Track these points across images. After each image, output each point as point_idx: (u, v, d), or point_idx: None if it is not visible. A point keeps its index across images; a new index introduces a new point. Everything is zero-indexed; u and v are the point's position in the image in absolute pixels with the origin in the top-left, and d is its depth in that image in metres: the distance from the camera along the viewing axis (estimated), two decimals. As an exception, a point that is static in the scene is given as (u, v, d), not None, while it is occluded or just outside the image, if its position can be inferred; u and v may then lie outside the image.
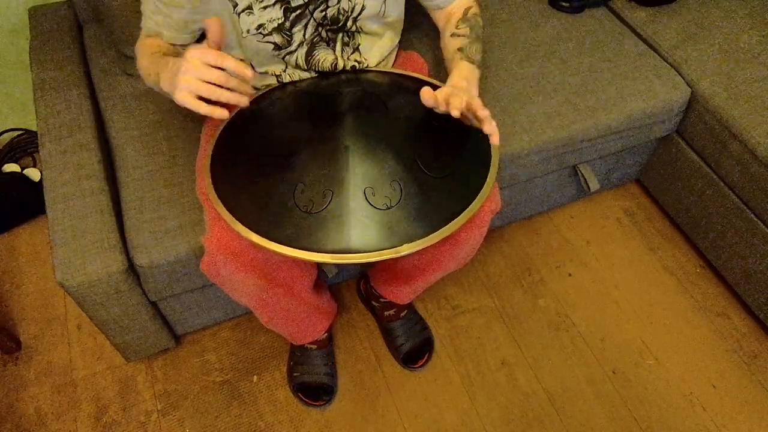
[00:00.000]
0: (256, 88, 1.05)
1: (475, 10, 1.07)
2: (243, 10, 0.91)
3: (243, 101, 0.79)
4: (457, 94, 0.86)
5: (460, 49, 1.01)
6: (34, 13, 1.38)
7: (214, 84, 0.76)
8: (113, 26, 1.22)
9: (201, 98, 0.76)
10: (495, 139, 0.86)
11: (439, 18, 1.11)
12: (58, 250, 1.01)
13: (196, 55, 0.75)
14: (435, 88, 1.03)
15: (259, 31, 0.94)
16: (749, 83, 1.34)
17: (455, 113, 0.84)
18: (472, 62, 1.00)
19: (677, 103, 1.36)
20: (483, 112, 0.84)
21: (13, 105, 1.59)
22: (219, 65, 0.75)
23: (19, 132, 1.64)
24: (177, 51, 0.95)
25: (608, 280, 1.51)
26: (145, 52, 0.94)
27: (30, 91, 1.57)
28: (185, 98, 0.76)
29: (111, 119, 1.23)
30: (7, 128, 1.63)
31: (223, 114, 0.76)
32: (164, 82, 0.82)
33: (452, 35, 1.04)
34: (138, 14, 1.19)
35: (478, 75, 1.01)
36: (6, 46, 1.47)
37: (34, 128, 1.65)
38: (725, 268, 1.43)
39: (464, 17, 1.05)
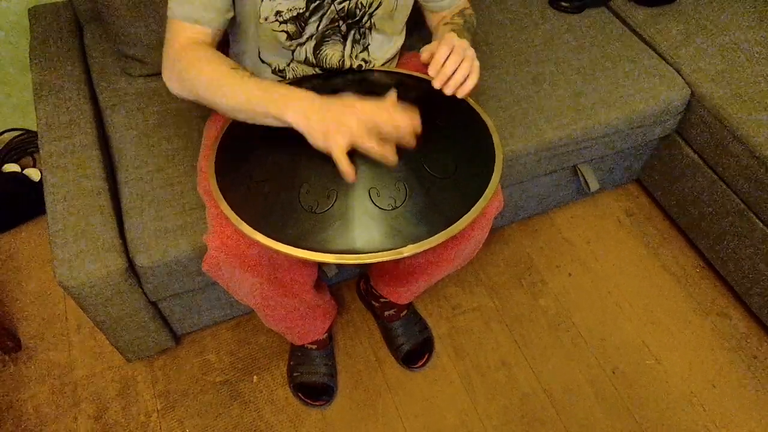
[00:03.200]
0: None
1: (470, 11, 1.09)
2: None
3: (390, 159, 0.81)
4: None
5: (452, 30, 1.03)
6: (34, 13, 1.38)
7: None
8: (113, 26, 1.22)
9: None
10: (446, 89, 0.92)
11: (434, 19, 1.11)
12: (58, 250, 1.01)
13: (373, 117, 0.79)
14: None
15: (276, 18, 0.93)
16: (749, 83, 1.34)
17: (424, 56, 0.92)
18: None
19: (677, 103, 1.36)
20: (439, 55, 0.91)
21: (13, 105, 1.59)
22: (387, 128, 0.79)
23: (19, 132, 1.64)
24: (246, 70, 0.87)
25: (608, 280, 1.51)
26: (209, 64, 0.85)
27: (30, 91, 1.57)
28: (341, 153, 0.78)
29: (111, 119, 1.23)
30: (7, 128, 1.63)
31: (392, 159, 0.82)
32: (298, 114, 0.79)
33: (444, 24, 1.06)
34: (138, 14, 1.20)
35: (469, 40, 1.02)
36: (6, 46, 1.46)
37: (34, 128, 1.65)
38: (725, 268, 1.43)
39: (460, 12, 1.07)
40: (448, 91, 0.92)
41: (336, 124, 0.78)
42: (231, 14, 0.92)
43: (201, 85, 0.85)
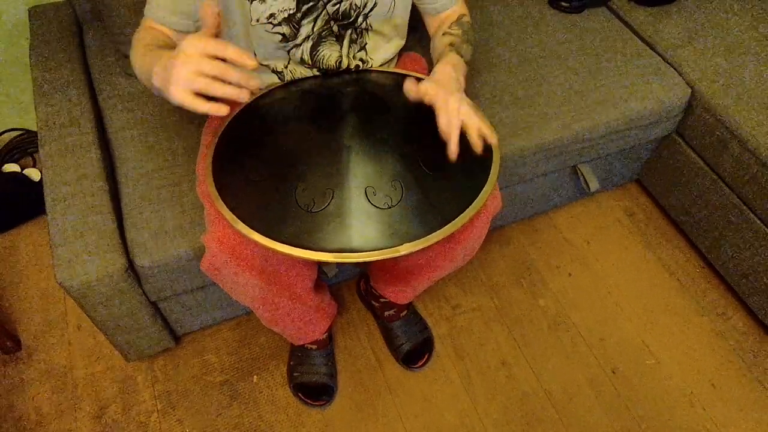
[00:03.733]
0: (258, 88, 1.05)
1: (468, 18, 1.08)
2: None
3: (243, 95, 0.70)
4: (448, 99, 0.85)
5: (451, 44, 1.01)
6: (34, 13, 1.38)
7: (214, 77, 0.68)
8: (113, 26, 1.22)
9: (199, 95, 0.69)
10: (494, 141, 0.87)
11: (432, 23, 1.11)
12: (58, 250, 1.01)
13: (192, 44, 0.68)
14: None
15: (269, 20, 0.92)
16: (749, 83, 1.34)
17: (450, 131, 0.84)
18: (462, 57, 0.99)
19: (677, 103, 1.36)
20: (492, 140, 0.86)
21: (13, 105, 1.59)
22: (218, 55, 0.68)
23: (19, 132, 1.64)
24: (176, 43, 0.81)
25: (608, 279, 1.51)
26: (139, 44, 0.85)
27: (30, 91, 1.57)
28: (181, 95, 0.68)
29: (111, 119, 1.23)
30: (7, 128, 1.63)
31: (222, 111, 0.69)
32: (157, 77, 0.73)
33: (444, 34, 1.04)
34: (138, 14, 1.20)
35: (465, 69, 0.98)
36: (6, 46, 1.47)
37: (34, 128, 1.65)
38: (725, 268, 1.43)
39: (458, 21, 1.06)
40: (478, 149, 0.86)
41: (170, 77, 0.70)
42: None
43: (139, 76, 0.84)
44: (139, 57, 0.84)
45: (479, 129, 0.85)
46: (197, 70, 0.68)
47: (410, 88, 0.89)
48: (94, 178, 1.10)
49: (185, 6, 0.89)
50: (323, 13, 0.95)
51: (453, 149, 0.84)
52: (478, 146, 0.85)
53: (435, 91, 0.86)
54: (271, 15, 0.92)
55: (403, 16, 1.05)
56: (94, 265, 1.00)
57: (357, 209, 0.83)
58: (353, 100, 0.99)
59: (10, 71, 1.52)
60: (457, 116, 0.85)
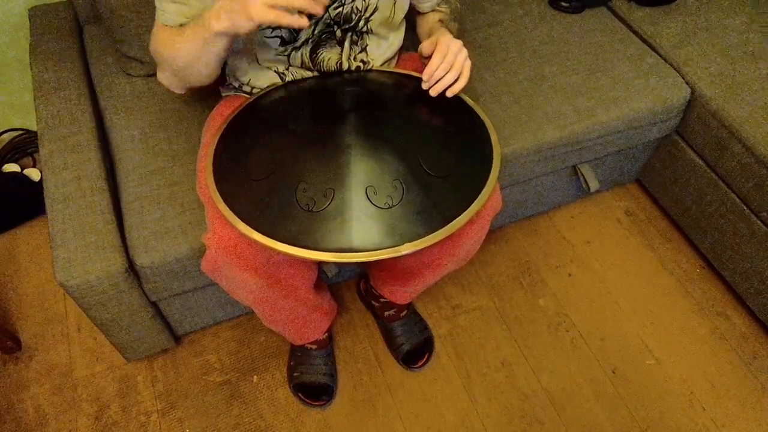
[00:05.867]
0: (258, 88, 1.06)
1: None
2: None
3: (317, 9, 0.78)
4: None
5: (441, 20, 1.05)
6: (34, 13, 1.38)
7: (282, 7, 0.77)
8: (113, 26, 1.22)
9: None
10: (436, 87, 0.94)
11: (420, 15, 1.13)
12: (58, 250, 1.01)
13: None
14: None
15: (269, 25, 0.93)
16: (749, 83, 1.34)
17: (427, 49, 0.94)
18: (451, 33, 1.02)
19: (677, 103, 1.36)
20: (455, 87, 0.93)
21: (13, 105, 1.59)
22: None
23: (19, 132, 1.64)
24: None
25: (608, 280, 1.51)
26: (165, 32, 0.92)
27: (30, 91, 1.57)
28: (266, 13, 0.76)
29: (111, 119, 1.23)
30: (7, 128, 1.63)
31: (304, 23, 0.78)
32: (214, 20, 0.81)
33: (432, 11, 1.08)
34: (138, 14, 1.20)
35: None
36: (6, 46, 1.47)
37: (34, 128, 1.65)
38: (725, 268, 1.43)
39: (445, 0, 1.10)
40: (433, 93, 0.95)
41: (248, 3, 0.78)
42: None
43: (166, 58, 0.93)
44: (171, 38, 0.90)
45: (461, 79, 0.92)
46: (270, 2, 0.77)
47: (428, 48, 0.95)
48: (94, 178, 1.10)
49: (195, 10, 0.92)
50: (324, 16, 0.95)
51: (430, 82, 0.93)
52: (442, 87, 0.93)
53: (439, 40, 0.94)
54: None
55: (401, 15, 1.05)
56: (94, 265, 1.00)
57: (358, 209, 0.83)
58: (354, 99, 0.99)
59: (11, 71, 1.52)
60: (454, 55, 0.91)
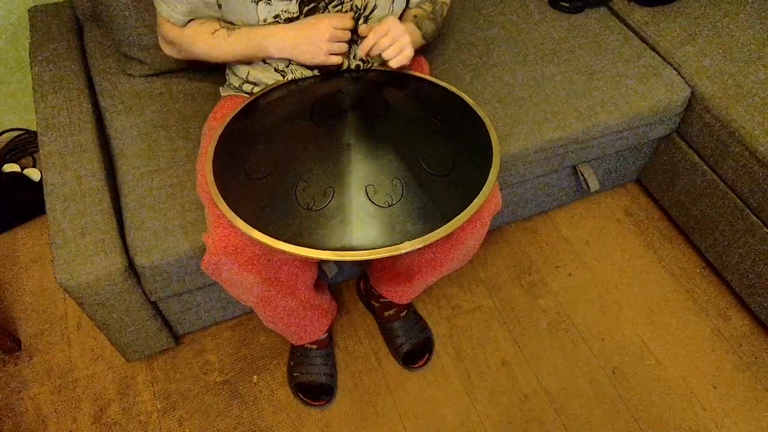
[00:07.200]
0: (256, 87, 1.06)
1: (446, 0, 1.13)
2: (260, 0, 0.93)
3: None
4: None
5: (415, 16, 1.06)
6: (34, 13, 1.38)
7: (338, 40, 0.96)
8: (113, 26, 1.22)
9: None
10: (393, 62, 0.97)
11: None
12: (58, 250, 1.01)
13: (331, 23, 0.93)
14: (435, 86, 1.03)
15: (276, 20, 0.95)
16: (749, 83, 1.34)
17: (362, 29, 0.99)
18: (419, 29, 1.05)
19: (677, 103, 1.36)
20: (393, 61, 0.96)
21: (13, 105, 1.59)
22: (345, 27, 0.95)
23: (19, 132, 1.64)
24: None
25: (608, 280, 1.51)
26: (199, 32, 1.01)
27: (30, 91, 1.57)
28: (327, 59, 0.96)
29: (111, 119, 1.23)
30: (7, 128, 1.63)
31: (339, 61, 0.99)
32: (272, 44, 0.95)
33: (415, 6, 1.09)
34: (138, 14, 1.20)
35: (418, 36, 1.05)
36: (6, 46, 1.47)
37: (34, 128, 1.65)
38: (725, 268, 1.43)
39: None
40: (361, 53, 0.98)
41: (314, 40, 0.95)
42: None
43: (198, 55, 1.04)
44: (209, 41, 1.00)
45: (396, 46, 0.95)
46: (336, 38, 0.95)
47: (364, 29, 0.99)
48: (94, 178, 1.10)
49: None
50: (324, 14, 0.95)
51: (365, 46, 0.96)
52: (379, 52, 0.96)
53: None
54: (277, 16, 0.94)
55: (399, 12, 1.05)
56: (94, 265, 1.00)
57: (357, 207, 0.83)
58: (353, 98, 0.99)
59: (10, 71, 1.52)
60: (388, 24, 0.94)
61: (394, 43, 0.94)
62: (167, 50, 1.09)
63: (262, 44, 0.95)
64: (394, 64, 0.96)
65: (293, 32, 0.94)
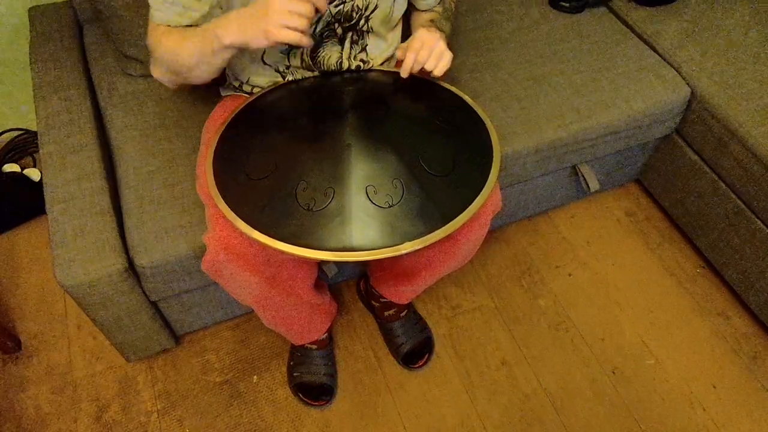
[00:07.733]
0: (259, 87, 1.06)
1: None
2: None
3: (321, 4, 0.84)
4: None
5: (432, 20, 1.06)
6: (34, 13, 1.38)
7: (300, 14, 0.81)
8: (113, 26, 1.22)
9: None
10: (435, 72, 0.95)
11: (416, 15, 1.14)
12: (58, 250, 1.01)
13: (284, 2, 0.80)
14: (435, 86, 1.03)
15: None
16: (749, 83, 1.34)
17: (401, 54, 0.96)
18: (441, 31, 1.03)
19: (677, 103, 1.36)
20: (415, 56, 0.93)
21: (13, 105, 1.59)
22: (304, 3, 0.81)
23: (19, 132, 1.64)
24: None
25: (608, 280, 1.51)
26: (169, 36, 0.92)
27: (30, 91, 1.57)
28: (284, 34, 0.80)
29: (111, 119, 1.23)
30: (7, 128, 1.63)
31: (304, 41, 0.82)
32: (224, 32, 0.83)
33: (426, 11, 1.09)
34: (138, 14, 1.20)
35: (444, 38, 1.03)
36: (6, 46, 1.47)
37: (34, 128, 1.65)
38: (725, 268, 1.43)
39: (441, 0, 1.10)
40: (404, 74, 0.96)
41: (264, 22, 0.81)
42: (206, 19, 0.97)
43: (167, 60, 0.93)
44: (176, 43, 0.91)
45: (439, 63, 0.93)
46: (293, 10, 0.80)
47: (401, 54, 0.97)
48: (94, 178, 1.10)
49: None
50: (325, 14, 0.95)
51: (407, 66, 0.94)
52: (412, 68, 0.94)
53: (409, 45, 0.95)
54: None
55: (399, 14, 1.05)
56: (94, 265, 1.00)
57: (358, 208, 0.83)
58: (354, 98, 0.99)
59: (10, 71, 1.52)
60: (420, 38, 0.93)
61: (431, 53, 0.93)
62: (158, 73, 1.00)
63: (216, 33, 0.85)
64: (438, 72, 0.95)
65: (241, 17, 0.84)
